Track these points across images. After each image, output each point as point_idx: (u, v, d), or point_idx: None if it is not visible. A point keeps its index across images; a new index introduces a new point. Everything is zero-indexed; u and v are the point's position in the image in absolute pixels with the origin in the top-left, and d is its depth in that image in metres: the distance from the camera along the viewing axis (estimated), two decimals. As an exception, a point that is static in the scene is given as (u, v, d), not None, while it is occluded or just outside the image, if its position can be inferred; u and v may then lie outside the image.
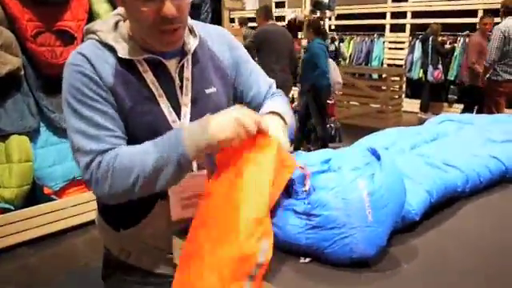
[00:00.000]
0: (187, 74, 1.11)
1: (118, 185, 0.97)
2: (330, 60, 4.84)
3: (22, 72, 3.06)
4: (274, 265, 0.82)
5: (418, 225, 0.99)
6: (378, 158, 0.91)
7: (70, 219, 3.34)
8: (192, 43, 1.11)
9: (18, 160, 3.05)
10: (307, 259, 0.87)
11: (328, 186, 0.85)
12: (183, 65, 1.11)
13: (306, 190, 0.87)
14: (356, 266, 0.84)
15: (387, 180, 0.85)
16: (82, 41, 3.41)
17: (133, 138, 1.05)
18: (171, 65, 1.09)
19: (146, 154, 0.95)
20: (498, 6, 6.82)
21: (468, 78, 5.70)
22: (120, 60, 1.04)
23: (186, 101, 1.10)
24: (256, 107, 1.20)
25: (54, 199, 3.32)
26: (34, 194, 3.25)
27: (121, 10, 1.12)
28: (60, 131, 3.29)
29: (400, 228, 0.96)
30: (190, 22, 1.14)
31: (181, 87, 1.10)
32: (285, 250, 0.89)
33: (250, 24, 8.62)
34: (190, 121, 1.09)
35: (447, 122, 1.73)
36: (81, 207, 3.33)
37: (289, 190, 0.91)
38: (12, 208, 3.07)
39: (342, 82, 4.88)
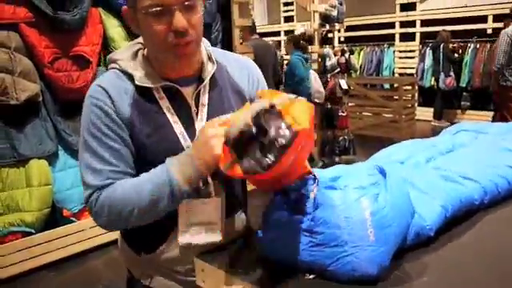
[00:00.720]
0: (203, 100, 1.13)
1: (114, 218, 1.03)
2: (312, 71, 5.17)
3: (41, 98, 3.13)
4: (280, 280, 0.84)
5: (434, 240, 0.99)
6: (385, 176, 0.92)
7: (90, 240, 3.37)
8: (210, 69, 1.14)
9: (37, 184, 3.11)
10: (312, 276, 0.88)
11: (332, 203, 0.87)
12: (199, 91, 1.13)
13: (313, 194, 0.88)
14: (364, 283, 0.85)
15: (392, 200, 0.86)
16: (98, 65, 3.48)
17: (150, 163, 1.07)
18: (188, 91, 1.12)
19: (141, 188, 0.99)
20: (508, 11, 6.83)
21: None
22: (138, 87, 1.08)
23: (201, 127, 1.11)
24: None
25: (74, 221, 3.36)
26: (54, 217, 3.29)
27: (141, 37, 1.16)
28: (77, 154, 3.31)
29: (415, 244, 0.96)
30: (210, 48, 1.17)
31: (197, 113, 1.12)
32: (290, 266, 0.90)
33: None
34: None
35: (462, 133, 1.72)
36: (100, 228, 3.35)
37: (295, 206, 0.91)
38: (33, 231, 3.12)
39: (323, 92, 5.08)
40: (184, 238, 1.07)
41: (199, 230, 1.07)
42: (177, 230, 1.09)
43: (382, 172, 0.93)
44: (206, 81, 1.13)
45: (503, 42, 4.94)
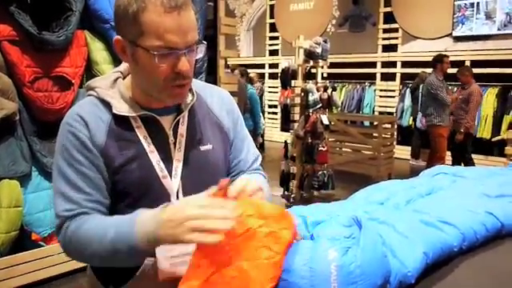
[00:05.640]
0: (182, 130, 1.12)
1: (78, 254, 1.02)
2: None
3: (18, 117, 3.06)
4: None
5: (414, 285, 0.97)
6: (361, 228, 0.89)
7: (57, 267, 3.24)
8: (189, 101, 1.13)
9: (7, 205, 2.99)
10: None
11: (299, 250, 0.84)
12: (178, 121, 1.12)
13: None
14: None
15: (363, 257, 0.82)
16: (80, 87, 3.45)
17: (124, 194, 1.07)
18: (166, 121, 1.11)
19: (104, 233, 0.96)
20: (487, 58, 7.11)
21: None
22: (114, 116, 1.07)
23: (178, 157, 1.11)
24: (237, 174, 1.24)
25: (42, 245, 3.24)
26: (22, 241, 3.16)
27: (122, 67, 1.16)
28: (52, 176, 3.24)
29: None
30: None
31: (174, 143, 1.11)
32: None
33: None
34: (181, 177, 1.10)
35: (441, 175, 1.74)
36: (69, 254, 3.24)
37: None
38: (-2, 255, 2.99)
39: None
40: (163, 272, 1.03)
41: (179, 262, 1.02)
42: (149, 260, 1.04)
43: (359, 224, 0.90)
44: (185, 112, 1.13)
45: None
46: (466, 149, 5.99)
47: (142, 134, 1.08)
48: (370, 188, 1.49)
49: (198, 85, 1.21)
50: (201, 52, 1.05)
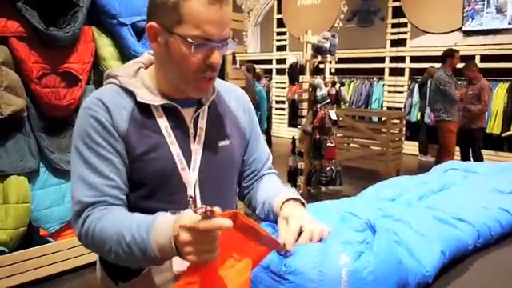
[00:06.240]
0: (202, 124, 1.12)
1: (95, 247, 0.99)
2: None
3: (25, 113, 3.06)
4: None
5: (430, 285, 0.94)
6: (375, 232, 0.85)
7: (65, 262, 3.25)
8: (210, 95, 1.13)
9: (15, 201, 3.00)
10: None
11: (309, 253, 0.79)
12: (199, 115, 1.11)
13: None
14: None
15: (376, 262, 0.77)
16: (87, 83, 3.43)
17: (140, 184, 1.05)
18: (187, 113, 1.10)
19: (123, 232, 0.92)
20: (497, 52, 7.02)
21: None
22: (137, 105, 1.06)
23: (197, 150, 1.10)
24: (252, 172, 1.25)
25: (50, 241, 3.24)
26: (30, 236, 3.17)
27: (143, 58, 1.15)
28: (60, 172, 3.25)
29: None
30: None
31: (194, 136, 1.10)
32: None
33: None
34: (200, 170, 1.09)
35: (452, 171, 1.71)
36: (77, 250, 3.24)
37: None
38: (6, 250, 2.99)
39: None
40: (178, 264, 1.03)
41: None
42: None
43: (372, 229, 0.86)
44: (206, 106, 1.12)
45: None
46: (477, 144, 5.92)
47: (163, 124, 1.07)
48: (380, 184, 1.47)
49: (217, 81, 1.20)
50: (231, 48, 1.04)
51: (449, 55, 5.73)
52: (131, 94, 1.06)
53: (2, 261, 2.96)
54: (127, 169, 1.04)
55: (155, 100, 1.06)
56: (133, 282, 1.10)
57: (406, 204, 1.23)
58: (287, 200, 1.06)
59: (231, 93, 1.24)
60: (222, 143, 1.15)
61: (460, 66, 5.97)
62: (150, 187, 1.06)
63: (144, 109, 1.06)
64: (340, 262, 0.76)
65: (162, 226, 0.87)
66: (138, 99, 1.05)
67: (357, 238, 0.82)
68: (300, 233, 0.90)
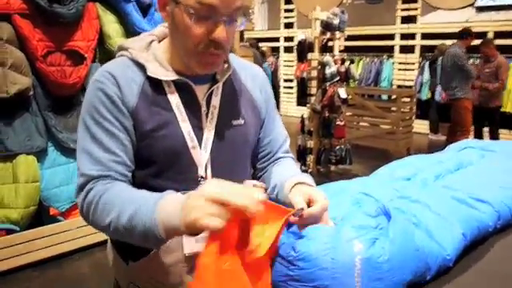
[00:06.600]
0: (215, 101, 1.07)
1: (96, 221, 0.95)
2: None
3: (32, 92, 3.03)
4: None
5: (450, 269, 0.90)
6: (390, 218, 0.80)
7: (76, 241, 3.26)
8: (226, 71, 1.08)
9: (24, 180, 3.00)
10: None
11: (321, 238, 0.74)
12: (212, 92, 1.07)
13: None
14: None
15: (391, 249, 0.73)
16: (93, 61, 3.39)
17: (149, 162, 1.02)
18: (200, 90, 1.05)
19: (126, 205, 0.89)
20: (508, 29, 6.84)
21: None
22: (148, 79, 1.02)
23: (209, 129, 1.06)
24: (267, 154, 1.19)
25: (60, 220, 3.26)
26: (40, 215, 3.19)
27: (157, 31, 1.10)
28: (68, 151, 3.25)
29: (433, 277, 0.85)
30: None
31: (206, 114, 1.06)
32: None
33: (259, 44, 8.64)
34: (211, 150, 1.05)
35: (468, 150, 1.66)
36: (87, 229, 3.25)
37: None
38: (17, 229, 3.01)
39: None
40: (189, 247, 1.00)
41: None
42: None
43: (387, 214, 0.81)
44: (220, 83, 1.07)
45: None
46: (496, 123, 5.84)
47: (174, 100, 1.03)
48: (394, 164, 1.42)
49: (232, 58, 1.15)
50: (240, 25, 0.98)
51: (466, 34, 5.61)
52: (142, 68, 1.02)
53: (14, 240, 2.99)
54: (134, 146, 1.01)
55: (167, 75, 1.02)
56: (142, 261, 1.07)
57: (422, 184, 1.18)
58: (298, 183, 1.01)
59: (247, 70, 1.19)
60: (236, 122, 1.10)
61: (475, 43, 5.84)
62: (159, 165, 1.02)
63: (155, 84, 1.02)
64: (354, 249, 0.71)
65: (169, 202, 0.84)
66: (149, 74, 1.01)
67: (370, 223, 0.78)
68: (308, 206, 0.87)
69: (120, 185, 0.97)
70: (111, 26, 3.34)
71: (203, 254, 0.74)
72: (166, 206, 0.84)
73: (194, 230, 0.78)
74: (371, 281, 0.71)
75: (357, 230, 0.75)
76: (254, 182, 0.84)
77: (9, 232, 2.99)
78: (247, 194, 0.75)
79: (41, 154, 3.15)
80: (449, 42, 7.23)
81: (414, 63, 8.45)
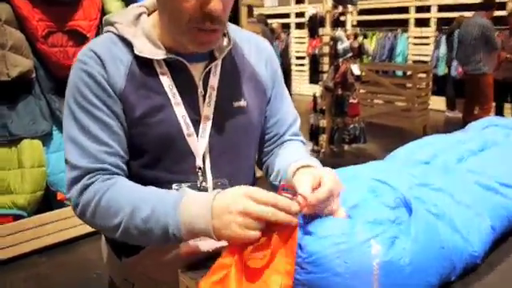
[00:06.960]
0: (213, 82, 0.96)
1: (96, 222, 0.85)
2: None
3: (34, 74, 2.95)
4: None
5: (478, 266, 0.79)
6: (411, 211, 0.69)
7: (84, 227, 3.20)
8: (224, 47, 0.96)
9: (30, 165, 2.96)
10: None
11: (333, 237, 0.65)
12: (210, 71, 0.95)
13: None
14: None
15: (414, 250, 0.63)
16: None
17: (141, 151, 0.92)
18: (196, 70, 0.94)
19: (139, 204, 0.80)
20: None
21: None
22: (137, 58, 0.91)
23: (207, 113, 0.95)
24: (274, 135, 1.08)
25: (68, 205, 3.22)
26: (48, 201, 3.15)
27: (147, 1, 0.98)
28: (73, 135, 3.19)
29: (458, 276, 0.75)
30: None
31: (204, 96, 0.95)
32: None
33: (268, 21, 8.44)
34: (210, 136, 0.95)
35: (492, 128, 1.52)
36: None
37: None
38: (25, 215, 2.98)
39: None
40: (186, 245, 0.91)
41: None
42: None
43: (408, 207, 0.71)
44: (219, 60, 0.96)
45: None
46: None
47: (166, 82, 0.92)
48: (412, 144, 1.29)
49: (234, 30, 1.03)
50: None
51: (492, 5, 5.42)
52: (130, 45, 0.91)
53: (23, 225, 2.96)
54: (126, 134, 0.91)
55: (157, 53, 0.91)
56: (136, 257, 1.00)
57: (443, 168, 1.05)
58: (302, 167, 0.90)
59: (251, 42, 1.06)
60: (238, 104, 0.99)
61: (498, 13, 5.61)
62: (152, 155, 0.93)
63: (145, 63, 0.91)
64: (371, 252, 0.61)
65: (193, 202, 0.77)
66: (136, 52, 0.90)
67: (388, 216, 0.67)
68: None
69: (123, 181, 0.87)
70: (113, 3, 3.24)
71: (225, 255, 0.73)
72: (189, 208, 0.76)
73: (225, 240, 0.74)
74: (391, 286, 0.62)
75: (373, 227, 0.65)
76: (285, 185, 0.76)
77: (16, 218, 2.96)
78: (285, 207, 0.70)
79: (46, 138, 3.10)
80: (467, 14, 6.96)
81: (429, 37, 8.17)
